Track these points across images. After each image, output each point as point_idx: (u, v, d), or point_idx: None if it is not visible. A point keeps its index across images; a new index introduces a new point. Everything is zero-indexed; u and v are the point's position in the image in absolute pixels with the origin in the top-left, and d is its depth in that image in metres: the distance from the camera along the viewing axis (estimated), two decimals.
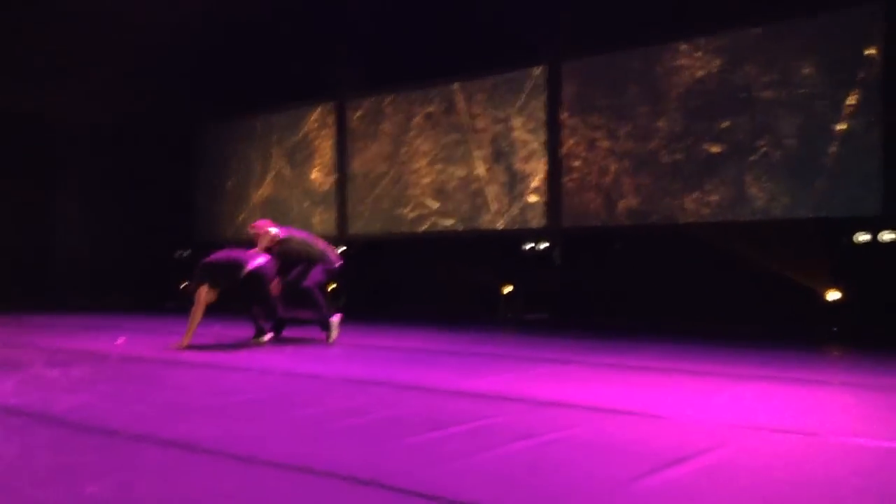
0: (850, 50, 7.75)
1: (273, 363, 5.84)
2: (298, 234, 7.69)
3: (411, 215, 11.16)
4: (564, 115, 9.68)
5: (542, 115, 9.88)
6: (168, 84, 12.47)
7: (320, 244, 7.61)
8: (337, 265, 7.55)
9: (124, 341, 7.38)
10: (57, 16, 11.31)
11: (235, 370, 5.47)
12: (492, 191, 10.32)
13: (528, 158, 10.01)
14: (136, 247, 12.91)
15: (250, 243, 7.52)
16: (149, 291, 13.21)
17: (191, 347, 6.82)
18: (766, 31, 8.27)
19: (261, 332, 7.23)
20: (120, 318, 10.07)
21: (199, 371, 5.47)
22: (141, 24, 11.47)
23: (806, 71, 8.03)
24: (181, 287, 12.92)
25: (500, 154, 10.25)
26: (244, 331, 7.90)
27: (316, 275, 7.33)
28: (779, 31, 8.19)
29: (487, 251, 10.28)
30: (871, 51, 7.64)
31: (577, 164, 9.57)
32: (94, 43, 11.78)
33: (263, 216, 12.81)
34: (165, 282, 13.28)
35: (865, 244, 7.62)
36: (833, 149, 7.84)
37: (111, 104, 12.62)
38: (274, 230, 7.43)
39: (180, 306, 8.94)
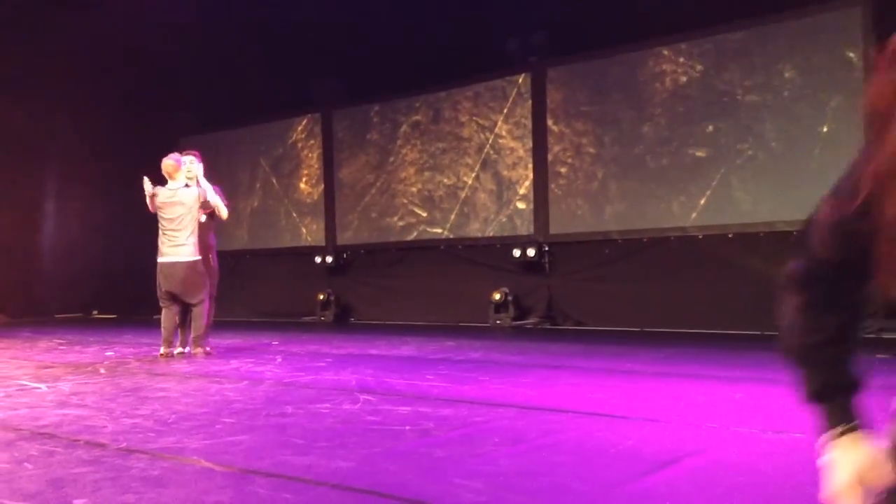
0: (831, 53, 7.82)
1: (262, 373, 5.83)
2: None
3: (400, 224, 11.15)
4: (550, 122, 9.71)
5: (527, 122, 9.91)
6: (154, 96, 12.44)
7: None
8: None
9: (113, 354, 7.34)
10: (46, 34, 11.38)
11: (225, 381, 5.45)
12: (480, 198, 10.34)
13: (514, 165, 10.03)
14: (125, 259, 12.85)
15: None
16: (137, 304, 13.13)
17: (179, 358, 6.80)
18: (747, 35, 8.32)
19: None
20: (108, 332, 10.01)
21: (188, 382, 5.45)
22: (128, 36, 11.48)
23: (788, 74, 8.09)
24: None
25: (487, 162, 10.27)
26: (233, 341, 7.88)
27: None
28: (760, 34, 8.24)
29: (476, 258, 10.29)
30: (851, 53, 7.70)
31: (563, 170, 9.60)
32: (79, 54, 11.77)
33: (251, 228, 12.85)
34: (153, 294, 13.19)
35: None
36: (817, 151, 7.90)
37: (97, 116, 12.58)
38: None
39: None
